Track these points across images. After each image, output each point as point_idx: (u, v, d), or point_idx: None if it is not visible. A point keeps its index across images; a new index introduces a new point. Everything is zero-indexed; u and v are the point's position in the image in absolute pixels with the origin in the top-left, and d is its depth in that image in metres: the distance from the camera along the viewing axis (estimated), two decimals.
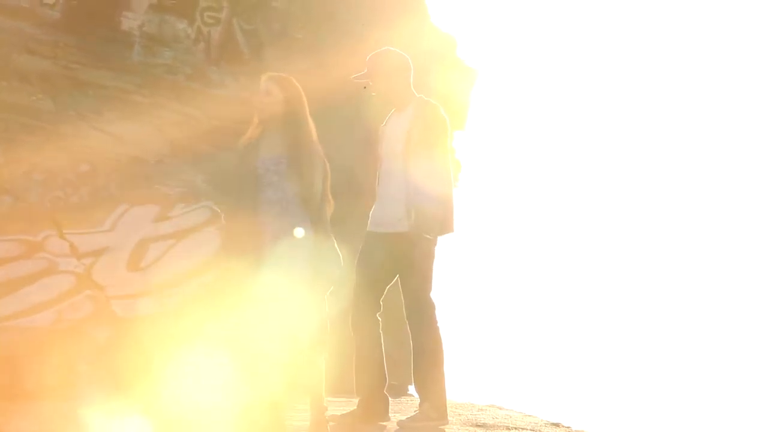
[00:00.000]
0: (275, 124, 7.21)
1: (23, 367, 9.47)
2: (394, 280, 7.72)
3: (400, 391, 11.32)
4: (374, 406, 7.70)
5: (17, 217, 10.39)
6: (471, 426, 7.86)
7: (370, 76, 7.75)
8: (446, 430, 7.57)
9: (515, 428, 8.25)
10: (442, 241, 7.70)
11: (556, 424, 8.76)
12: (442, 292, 9.15)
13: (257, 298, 6.95)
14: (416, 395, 8.08)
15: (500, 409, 9.42)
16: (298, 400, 7.33)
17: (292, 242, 6.94)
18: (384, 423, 7.70)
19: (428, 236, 7.51)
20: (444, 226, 7.60)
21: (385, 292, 7.74)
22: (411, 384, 8.21)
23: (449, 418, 7.82)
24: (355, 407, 7.72)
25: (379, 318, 7.72)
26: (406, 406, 9.22)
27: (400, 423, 7.73)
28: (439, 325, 7.72)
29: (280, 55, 11.39)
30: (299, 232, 6.97)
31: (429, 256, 7.58)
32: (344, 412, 7.74)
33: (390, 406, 7.98)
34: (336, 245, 7.11)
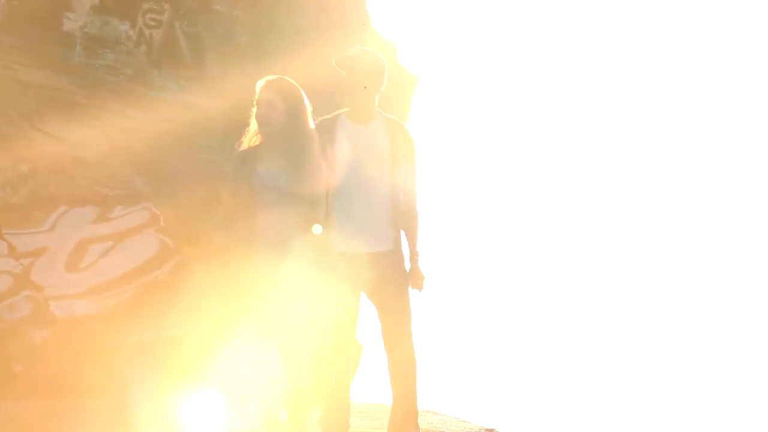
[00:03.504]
0: (276, 135, 6.66)
1: None
2: None
3: None
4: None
5: None
6: None
7: (361, 74, 7.29)
8: None
9: None
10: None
11: (491, 430, 8.84)
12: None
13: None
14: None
15: (435, 414, 9.48)
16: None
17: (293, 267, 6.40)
18: None
19: (419, 253, 7.26)
20: None
21: None
22: None
23: (381, 421, 7.74)
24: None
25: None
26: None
27: None
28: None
29: (223, 59, 11.43)
30: (318, 229, 6.48)
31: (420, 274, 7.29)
32: None
33: None
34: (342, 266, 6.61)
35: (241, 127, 7.03)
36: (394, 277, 7.15)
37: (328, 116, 7.47)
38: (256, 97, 6.76)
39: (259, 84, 6.78)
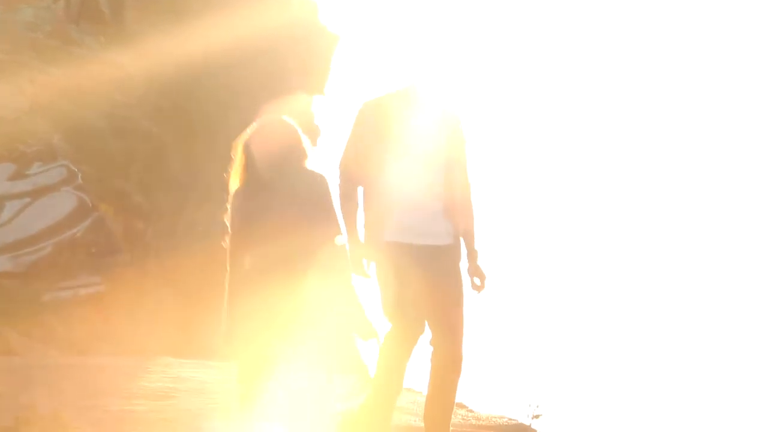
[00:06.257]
0: None
1: None
2: None
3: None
4: None
5: None
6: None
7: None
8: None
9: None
10: None
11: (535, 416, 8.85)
12: None
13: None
14: None
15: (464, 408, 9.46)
16: None
17: None
18: None
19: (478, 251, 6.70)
20: None
21: None
22: None
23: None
24: None
25: None
26: None
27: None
28: None
29: (142, 17, 11.38)
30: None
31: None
32: None
33: None
34: None
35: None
36: (450, 273, 6.67)
37: (373, 99, 6.76)
38: None
39: None
